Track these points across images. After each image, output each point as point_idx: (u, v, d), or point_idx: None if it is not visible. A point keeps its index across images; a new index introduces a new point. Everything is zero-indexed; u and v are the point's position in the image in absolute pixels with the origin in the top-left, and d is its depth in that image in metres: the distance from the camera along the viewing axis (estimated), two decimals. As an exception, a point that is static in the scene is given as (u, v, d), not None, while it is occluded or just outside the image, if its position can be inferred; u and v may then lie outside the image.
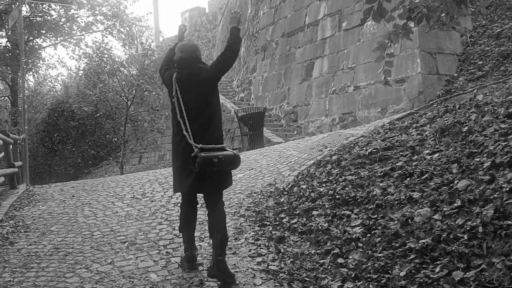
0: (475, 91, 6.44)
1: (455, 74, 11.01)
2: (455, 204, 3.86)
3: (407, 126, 6.15)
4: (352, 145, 6.36)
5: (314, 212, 4.86)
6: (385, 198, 4.51)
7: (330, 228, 4.43)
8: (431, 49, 10.85)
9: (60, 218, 5.80)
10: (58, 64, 36.05)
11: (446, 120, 5.52)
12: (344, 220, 4.52)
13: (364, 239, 4.06)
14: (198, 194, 4.08)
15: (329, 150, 6.65)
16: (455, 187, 4.10)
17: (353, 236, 4.12)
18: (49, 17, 19.09)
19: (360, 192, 4.86)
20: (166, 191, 6.61)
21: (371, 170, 5.25)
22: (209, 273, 3.69)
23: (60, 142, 22.77)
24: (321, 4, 14.15)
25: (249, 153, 8.65)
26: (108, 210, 5.96)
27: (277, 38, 15.93)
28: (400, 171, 4.87)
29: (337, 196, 4.96)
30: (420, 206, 4.12)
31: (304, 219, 4.80)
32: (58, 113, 22.45)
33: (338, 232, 4.31)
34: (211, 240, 3.80)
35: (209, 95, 3.86)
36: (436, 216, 3.86)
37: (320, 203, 5.01)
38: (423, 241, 3.62)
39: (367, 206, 4.57)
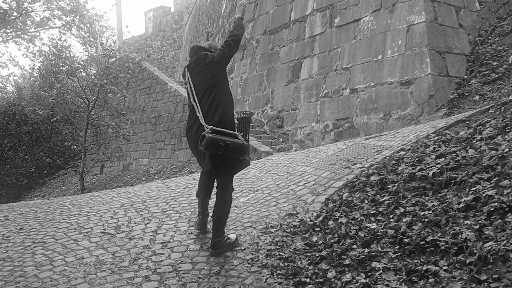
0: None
1: (465, 76, 9.82)
2: None
3: (468, 137, 4.75)
4: (394, 161, 4.92)
5: (375, 264, 3.37)
6: (488, 247, 3.08)
7: (413, 294, 2.96)
8: (440, 48, 9.62)
9: None
10: (9, 63, 33.13)
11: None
12: (430, 280, 3.06)
13: (482, 319, 2.61)
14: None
15: (361, 167, 5.18)
16: None
17: (464, 315, 2.67)
18: (-2, 10, 16.92)
19: (439, 234, 3.42)
20: (148, 223, 4.99)
21: (441, 200, 3.83)
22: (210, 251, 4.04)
23: (11, 149, 20.46)
24: (309, -2, 12.74)
25: (243, 167, 7.06)
26: (70, 254, 4.28)
27: (257, 36, 14.45)
28: (494, 204, 3.45)
29: (405, 240, 3.50)
30: (562, 265, 2.71)
31: (363, 275, 3.31)
32: (9, 116, 20.14)
33: (430, 302, 2.84)
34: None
35: (215, 78, 3.99)
36: None
37: (379, 248, 3.54)
38: None
39: (460, 258, 3.13)
